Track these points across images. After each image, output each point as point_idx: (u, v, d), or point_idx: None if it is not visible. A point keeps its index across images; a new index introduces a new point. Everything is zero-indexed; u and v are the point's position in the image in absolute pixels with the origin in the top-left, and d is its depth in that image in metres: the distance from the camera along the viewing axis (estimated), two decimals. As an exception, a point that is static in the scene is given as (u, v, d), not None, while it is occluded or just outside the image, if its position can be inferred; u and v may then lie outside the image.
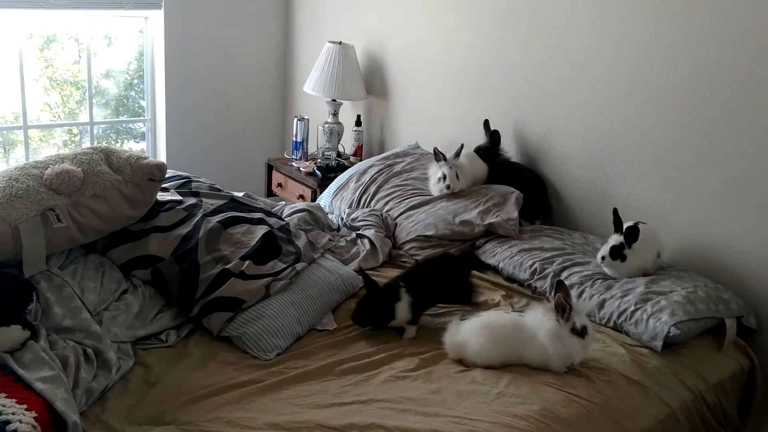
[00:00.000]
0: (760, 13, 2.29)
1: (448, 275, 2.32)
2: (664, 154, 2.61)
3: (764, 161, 2.34)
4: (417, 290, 2.20)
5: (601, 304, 2.30)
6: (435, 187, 2.93)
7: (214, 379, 1.90)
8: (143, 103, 4.42)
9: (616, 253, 2.37)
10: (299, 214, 2.76)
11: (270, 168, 4.04)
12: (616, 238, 2.39)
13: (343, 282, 2.40)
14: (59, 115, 4.36)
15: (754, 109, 2.34)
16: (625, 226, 2.40)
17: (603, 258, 2.40)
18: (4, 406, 1.55)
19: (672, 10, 2.52)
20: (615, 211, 2.45)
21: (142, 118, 4.45)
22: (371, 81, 3.92)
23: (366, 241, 2.72)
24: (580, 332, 1.97)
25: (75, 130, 4.42)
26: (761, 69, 2.31)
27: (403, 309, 2.17)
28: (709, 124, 2.47)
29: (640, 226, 2.38)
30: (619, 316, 2.24)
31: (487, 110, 3.26)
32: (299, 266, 2.33)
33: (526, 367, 2.02)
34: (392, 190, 3.07)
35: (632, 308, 2.22)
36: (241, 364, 2.00)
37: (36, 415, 1.55)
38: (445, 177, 2.87)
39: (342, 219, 2.98)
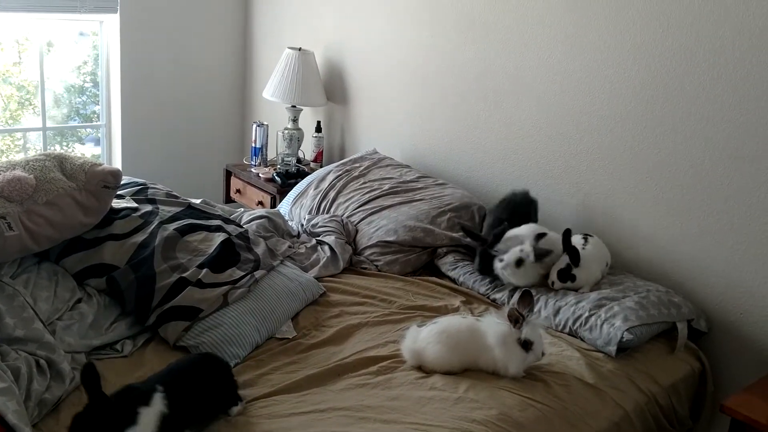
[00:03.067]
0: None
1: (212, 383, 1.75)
2: (617, 162, 2.67)
3: (710, 174, 2.41)
4: (177, 400, 1.60)
5: (557, 311, 2.34)
6: None
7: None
8: (96, 108, 4.34)
9: (565, 275, 2.39)
10: (258, 221, 2.74)
11: (228, 174, 4.00)
12: (562, 260, 2.40)
13: (302, 289, 2.39)
14: (7, 121, 4.24)
15: (709, 120, 2.41)
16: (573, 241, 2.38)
17: (552, 283, 2.40)
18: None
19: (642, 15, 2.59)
20: (567, 232, 2.38)
21: (96, 123, 4.37)
22: (331, 87, 3.92)
23: (326, 247, 2.72)
24: (524, 345, 1.98)
25: (18, 135, 4.32)
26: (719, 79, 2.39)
27: (149, 420, 1.53)
28: (659, 133, 2.53)
29: (590, 240, 2.42)
30: (574, 323, 2.28)
31: (445, 116, 3.29)
32: (258, 274, 2.31)
33: (484, 372, 2.04)
34: (351, 194, 3.08)
35: (587, 314, 2.27)
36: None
37: (-15, 428, 1.51)
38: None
39: (302, 225, 2.97)
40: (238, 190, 3.92)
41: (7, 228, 1.95)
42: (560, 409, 1.92)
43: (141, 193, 2.52)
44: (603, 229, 2.70)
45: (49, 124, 4.15)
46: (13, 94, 4.23)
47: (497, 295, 2.49)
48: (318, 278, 2.53)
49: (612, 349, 2.16)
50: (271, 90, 3.79)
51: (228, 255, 2.33)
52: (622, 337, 2.15)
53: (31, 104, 4.19)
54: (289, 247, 2.64)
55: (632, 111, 2.60)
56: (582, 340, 2.26)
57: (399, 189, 3.04)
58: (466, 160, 3.23)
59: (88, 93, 4.41)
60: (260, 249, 2.45)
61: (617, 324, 2.19)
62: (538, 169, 2.94)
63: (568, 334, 2.30)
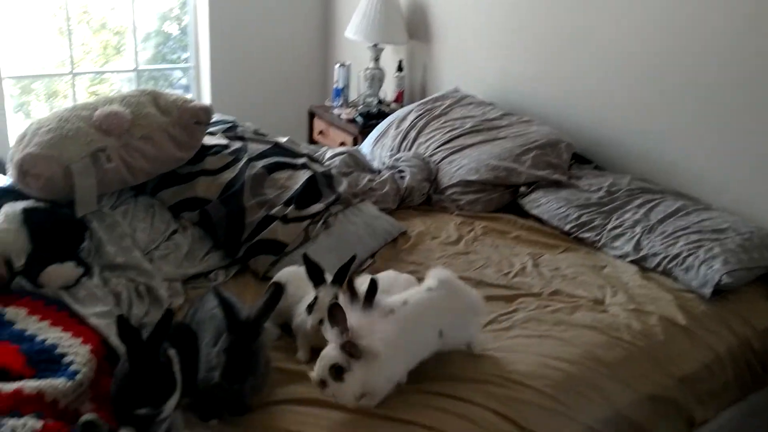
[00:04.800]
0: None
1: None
2: (714, 98, 2.52)
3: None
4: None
5: (637, 244, 2.29)
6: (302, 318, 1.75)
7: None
8: (184, 55, 4.44)
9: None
10: (340, 157, 2.78)
11: (312, 115, 4.04)
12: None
13: (383, 228, 2.40)
14: (104, 61, 4.41)
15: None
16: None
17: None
18: (60, 339, 1.61)
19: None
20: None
21: (185, 65, 4.47)
22: (413, 25, 3.85)
23: (407, 179, 2.72)
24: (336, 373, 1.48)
25: (113, 78, 4.48)
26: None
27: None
28: (747, 74, 2.37)
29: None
30: (669, 261, 2.20)
31: (531, 52, 3.18)
32: (335, 209, 2.34)
33: (570, 313, 2.00)
34: (432, 134, 3.04)
35: (684, 254, 2.18)
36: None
37: (91, 348, 1.60)
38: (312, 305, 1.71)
39: (384, 164, 2.97)
40: (321, 132, 3.95)
41: (107, 160, 2.04)
42: (648, 349, 1.88)
43: (230, 131, 2.58)
44: (694, 172, 2.58)
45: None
46: (109, 39, 4.38)
47: (586, 234, 2.43)
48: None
49: (707, 291, 2.08)
50: (353, 29, 3.76)
51: (312, 192, 2.36)
52: (720, 280, 2.07)
53: (121, 50, 4.31)
54: (370, 180, 2.66)
55: (733, 46, 2.43)
56: (675, 279, 2.19)
57: (482, 127, 2.99)
58: (553, 97, 3.12)
59: (173, 39, 4.51)
60: (342, 187, 2.47)
61: (716, 266, 2.10)
62: (630, 106, 2.81)
63: (661, 272, 2.23)
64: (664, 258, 2.22)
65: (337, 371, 1.47)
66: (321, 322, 1.62)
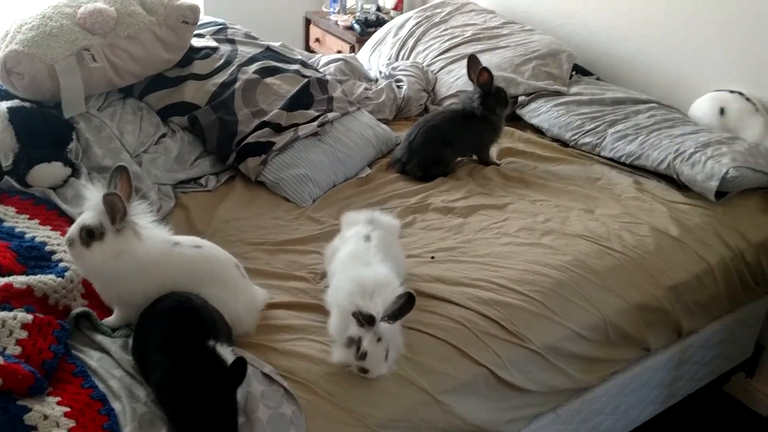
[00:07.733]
0: None
1: None
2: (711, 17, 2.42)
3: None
4: None
5: (641, 143, 2.27)
6: (338, 351, 1.46)
7: (252, 222, 1.95)
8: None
9: None
10: (335, 64, 2.70)
11: (307, 22, 3.92)
12: None
13: (377, 138, 2.37)
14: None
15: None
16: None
17: None
18: (49, 237, 1.62)
19: None
20: None
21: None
22: (414, -72, 3.68)
23: (404, 88, 2.66)
24: None
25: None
26: None
27: None
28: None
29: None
30: (675, 158, 2.19)
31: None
32: (332, 116, 2.29)
33: (562, 223, 2.00)
34: (431, 42, 2.95)
35: (691, 150, 2.18)
36: (280, 209, 2.04)
37: (81, 246, 1.61)
38: (358, 348, 1.41)
39: (380, 72, 2.90)
40: (317, 39, 3.85)
41: (92, 59, 1.98)
42: (638, 258, 1.88)
43: (220, 33, 2.50)
44: (701, 88, 2.52)
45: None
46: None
47: (587, 139, 2.40)
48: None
49: (713, 184, 2.07)
50: (351, -70, 3.59)
51: (303, 97, 2.31)
52: (726, 173, 2.06)
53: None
54: (366, 89, 2.60)
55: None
56: (678, 176, 2.17)
57: (482, 36, 2.90)
58: (557, 5, 3.00)
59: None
60: (336, 93, 2.42)
61: (724, 161, 2.09)
62: (634, 16, 2.71)
63: (663, 172, 2.21)
64: (669, 153, 2.20)
65: (88, 234, 1.36)
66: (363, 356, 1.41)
